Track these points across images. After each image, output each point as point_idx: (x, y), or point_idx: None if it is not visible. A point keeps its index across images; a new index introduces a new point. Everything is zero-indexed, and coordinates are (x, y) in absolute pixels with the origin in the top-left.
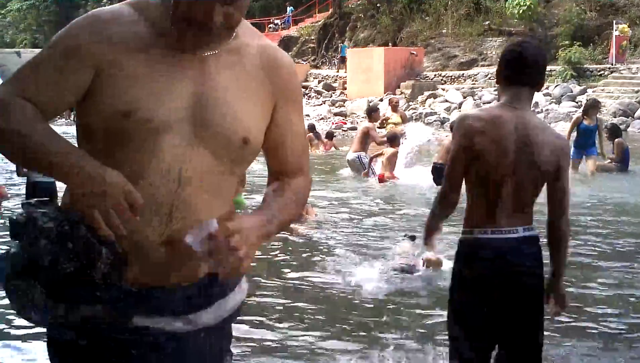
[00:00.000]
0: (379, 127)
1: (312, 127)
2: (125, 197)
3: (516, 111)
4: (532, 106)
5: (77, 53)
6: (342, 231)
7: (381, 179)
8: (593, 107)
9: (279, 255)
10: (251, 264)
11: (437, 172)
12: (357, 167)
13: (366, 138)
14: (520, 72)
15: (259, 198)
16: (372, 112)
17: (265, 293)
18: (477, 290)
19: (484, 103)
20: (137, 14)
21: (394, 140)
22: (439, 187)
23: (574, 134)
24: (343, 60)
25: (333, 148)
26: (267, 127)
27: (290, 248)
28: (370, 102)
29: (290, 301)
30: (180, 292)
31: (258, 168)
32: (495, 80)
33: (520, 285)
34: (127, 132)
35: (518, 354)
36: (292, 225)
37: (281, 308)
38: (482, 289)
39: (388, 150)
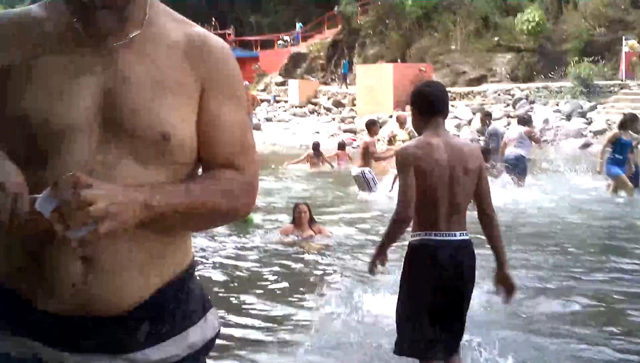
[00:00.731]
0: (387, 144)
1: (315, 146)
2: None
3: (440, 137)
4: (542, 122)
5: None
6: (355, 252)
7: None
8: (632, 121)
9: (290, 273)
10: (110, 227)
11: None
12: (361, 183)
13: (368, 153)
14: (436, 107)
15: (270, 216)
16: (371, 125)
17: (274, 313)
18: (422, 280)
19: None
20: (45, 12)
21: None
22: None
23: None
24: (345, 77)
25: (347, 159)
26: (196, 119)
27: (300, 269)
28: (379, 118)
29: (301, 320)
30: (114, 324)
31: (271, 186)
32: (503, 95)
33: (458, 275)
34: (28, 139)
35: (452, 323)
36: (306, 243)
37: (291, 327)
38: (426, 279)
39: None
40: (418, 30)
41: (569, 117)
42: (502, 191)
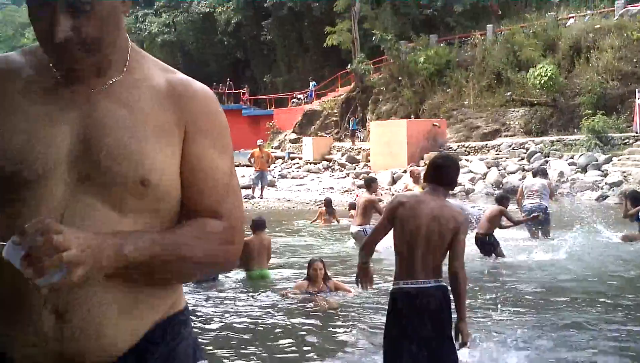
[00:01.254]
0: None
1: (328, 203)
2: None
3: (433, 199)
4: (557, 175)
5: None
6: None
7: None
8: None
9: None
10: (82, 274)
11: (481, 243)
12: (362, 240)
13: (368, 210)
14: (438, 176)
15: (288, 272)
16: (371, 182)
17: None
18: (401, 323)
19: (508, 173)
20: (24, 58)
21: None
22: (487, 258)
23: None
24: (353, 133)
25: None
26: (179, 165)
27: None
28: (394, 174)
29: None
30: None
31: (286, 242)
32: (517, 149)
33: (434, 319)
34: (0, 187)
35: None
36: (322, 299)
37: None
38: (405, 323)
39: None
40: (431, 87)
41: (584, 170)
42: (540, 246)
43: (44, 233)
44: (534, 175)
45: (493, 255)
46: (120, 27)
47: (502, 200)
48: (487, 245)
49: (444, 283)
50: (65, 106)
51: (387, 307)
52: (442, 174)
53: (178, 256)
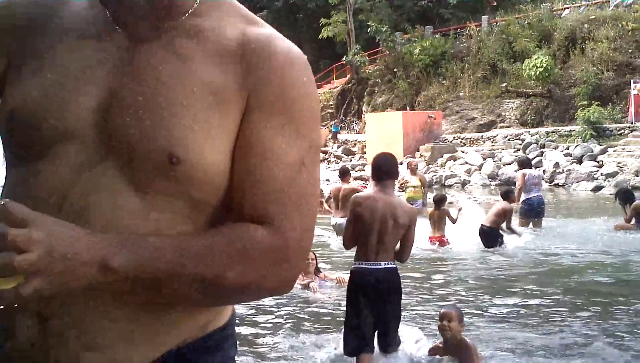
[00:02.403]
0: (399, 190)
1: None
2: None
3: (385, 195)
4: (553, 166)
5: None
6: None
7: (438, 242)
8: None
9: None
10: (37, 289)
11: (485, 235)
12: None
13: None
14: (384, 172)
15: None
16: (346, 173)
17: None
18: (358, 298)
19: (504, 164)
20: None
21: (439, 203)
22: (489, 249)
23: None
24: (335, 135)
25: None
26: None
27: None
28: None
29: None
30: None
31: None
32: (513, 140)
33: (383, 295)
34: (12, 138)
35: (385, 334)
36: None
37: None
38: (361, 298)
39: (434, 213)
40: (426, 78)
41: (579, 160)
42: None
43: (6, 221)
44: (522, 166)
45: (496, 246)
46: None
47: (508, 195)
48: (491, 239)
49: (394, 265)
50: (106, 52)
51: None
52: (386, 169)
53: (197, 276)
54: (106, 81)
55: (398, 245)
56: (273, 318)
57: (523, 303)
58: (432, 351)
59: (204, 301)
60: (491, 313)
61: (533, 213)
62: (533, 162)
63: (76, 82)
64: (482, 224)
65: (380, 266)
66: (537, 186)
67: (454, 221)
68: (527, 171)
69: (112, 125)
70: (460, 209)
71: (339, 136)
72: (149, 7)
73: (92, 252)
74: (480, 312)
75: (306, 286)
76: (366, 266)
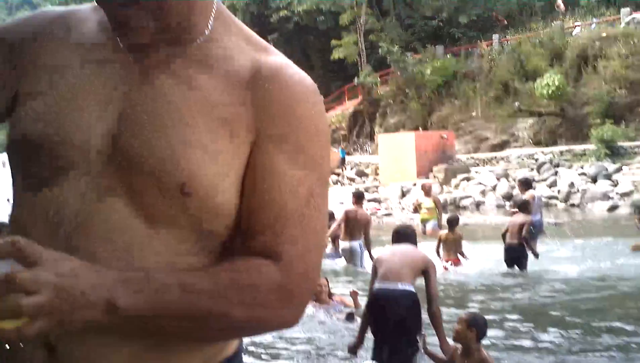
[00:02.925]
0: (413, 212)
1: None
2: None
3: (397, 250)
4: (567, 186)
5: (2, 53)
6: None
7: (449, 265)
8: None
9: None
10: (43, 329)
11: (512, 252)
12: (356, 255)
13: (361, 226)
14: (404, 238)
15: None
16: (361, 198)
17: None
18: (374, 315)
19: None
20: (92, 15)
21: (452, 224)
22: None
23: None
24: (343, 161)
25: None
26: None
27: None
28: (404, 187)
29: None
30: None
31: None
32: (526, 160)
33: (398, 313)
34: (22, 164)
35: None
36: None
37: None
38: (376, 315)
39: (449, 235)
40: (438, 99)
41: (594, 179)
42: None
43: (17, 257)
44: (527, 187)
45: (515, 267)
46: None
47: (526, 207)
48: (518, 258)
49: (410, 287)
50: (115, 78)
51: None
52: (406, 235)
53: (202, 313)
54: (116, 108)
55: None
56: (286, 346)
57: (560, 333)
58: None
59: (209, 336)
60: (529, 343)
61: (537, 236)
62: (547, 181)
63: (85, 107)
64: (508, 244)
65: (397, 287)
66: (540, 208)
67: (463, 254)
68: (533, 192)
69: (122, 153)
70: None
71: (348, 158)
72: (159, 33)
73: (99, 292)
74: (517, 343)
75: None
76: (385, 286)
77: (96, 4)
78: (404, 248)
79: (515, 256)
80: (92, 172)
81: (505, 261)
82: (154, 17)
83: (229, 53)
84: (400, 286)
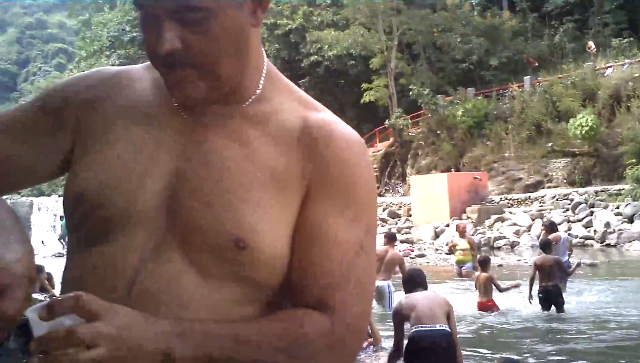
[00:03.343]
0: (447, 253)
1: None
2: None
3: (419, 296)
4: (604, 226)
5: (60, 108)
6: None
7: (481, 308)
8: None
9: None
10: None
11: (547, 294)
12: (385, 296)
13: (393, 266)
14: (414, 285)
15: None
16: (393, 239)
17: None
18: (414, 358)
19: None
20: (146, 74)
21: (485, 264)
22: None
23: None
24: None
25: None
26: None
27: None
28: (437, 227)
29: None
30: None
31: None
32: (561, 200)
33: (439, 353)
34: (80, 221)
35: None
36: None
37: None
38: (417, 357)
39: (482, 275)
40: (470, 140)
41: (631, 219)
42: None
43: (78, 312)
44: (552, 230)
45: (552, 307)
46: (248, 44)
47: (547, 246)
48: (557, 298)
49: (446, 328)
50: (171, 137)
51: None
52: (421, 280)
53: (253, 362)
54: (172, 165)
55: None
56: None
57: None
58: None
59: None
60: None
61: (565, 277)
62: (583, 222)
63: (143, 166)
64: (541, 285)
65: (435, 328)
66: (568, 249)
67: (500, 288)
68: (558, 234)
69: (179, 209)
70: (518, 286)
71: (381, 199)
72: (212, 93)
73: (156, 343)
74: None
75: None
76: (422, 328)
77: (149, 64)
78: (428, 292)
79: (551, 298)
80: (149, 228)
81: (540, 303)
82: (209, 78)
83: (279, 111)
84: (438, 326)
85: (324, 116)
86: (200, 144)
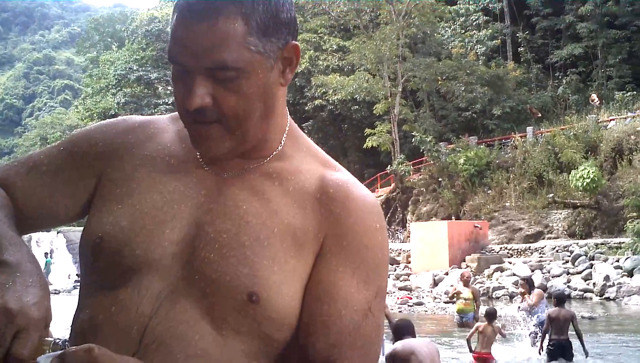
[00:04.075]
0: (445, 302)
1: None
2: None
3: (411, 343)
4: (603, 279)
5: (86, 153)
6: None
7: (478, 359)
8: None
9: None
10: None
11: (565, 349)
12: None
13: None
14: (403, 333)
15: None
16: None
17: None
18: None
19: (552, 277)
20: (170, 126)
21: (492, 317)
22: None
23: None
24: None
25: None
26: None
27: None
28: (435, 275)
29: None
30: None
31: None
32: (561, 252)
33: None
34: (96, 264)
35: None
36: None
37: None
38: None
39: (487, 327)
40: (471, 188)
41: (630, 273)
42: None
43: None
44: (532, 287)
45: (562, 359)
46: (274, 103)
47: (564, 300)
48: (569, 351)
49: None
50: (192, 188)
51: None
52: (409, 329)
53: None
54: (191, 216)
55: None
56: None
57: None
58: None
59: None
60: None
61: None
62: (582, 274)
63: (163, 214)
64: (559, 339)
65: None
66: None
67: (504, 335)
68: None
69: (195, 259)
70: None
71: None
72: (237, 150)
73: None
74: None
75: None
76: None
77: (174, 115)
78: (425, 340)
79: (562, 351)
80: (165, 276)
81: (547, 354)
82: (235, 135)
83: (298, 169)
84: None
85: (342, 176)
86: (221, 197)
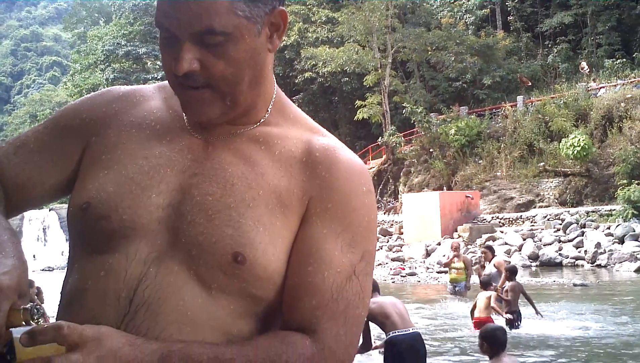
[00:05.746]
0: (438, 272)
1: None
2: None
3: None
4: (594, 246)
5: (71, 125)
6: None
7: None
8: None
9: None
10: None
11: (511, 319)
12: None
13: None
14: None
15: None
16: None
17: None
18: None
19: (544, 245)
20: (158, 94)
21: (487, 285)
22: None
23: None
24: None
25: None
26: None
27: None
28: (428, 246)
29: None
30: None
31: None
32: (552, 220)
33: (420, 353)
34: (84, 230)
35: None
36: None
37: None
38: (398, 356)
39: (484, 294)
40: (462, 158)
41: (621, 240)
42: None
43: (57, 340)
44: (494, 254)
45: (517, 324)
46: (263, 69)
47: (516, 273)
48: (516, 320)
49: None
50: (178, 153)
51: None
52: (375, 285)
53: None
54: (178, 180)
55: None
56: None
57: None
58: None
59: None
60: None
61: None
62: (574, 242)
63: (149, 179)
64: (512, 310)
65: (414, 331)
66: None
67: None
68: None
69: (181, 223)
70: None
71: None
72: (226, 115)
73: None
74: None
75: None
76: (400, 333)
77: (161, 84)
78: (392, 298)
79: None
80: (152, 240)
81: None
82: (224, 100)
83: (285, 134)
84: (412, 330)
85: (328, 141)
86: (207, 161)
